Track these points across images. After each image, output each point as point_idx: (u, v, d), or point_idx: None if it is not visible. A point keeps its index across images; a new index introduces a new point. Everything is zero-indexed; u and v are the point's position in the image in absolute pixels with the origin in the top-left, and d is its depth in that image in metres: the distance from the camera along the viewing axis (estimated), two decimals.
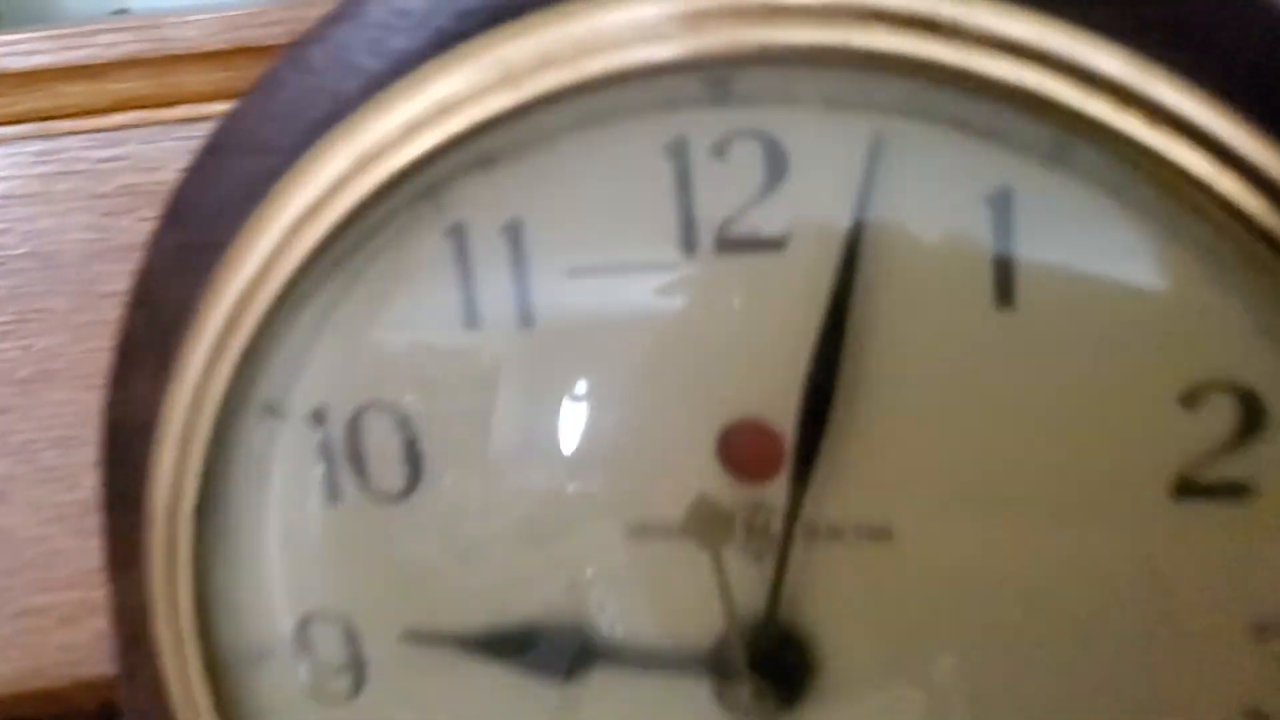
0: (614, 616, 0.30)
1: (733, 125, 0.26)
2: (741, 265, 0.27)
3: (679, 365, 0.28)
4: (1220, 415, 0.26)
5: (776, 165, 0.27)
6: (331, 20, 0.27)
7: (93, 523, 0.34)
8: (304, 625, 0.33)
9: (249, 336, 0.29)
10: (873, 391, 0.28)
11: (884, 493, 0.28)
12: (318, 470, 0.31)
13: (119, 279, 0.35)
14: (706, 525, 0.28)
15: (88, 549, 0.42)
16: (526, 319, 0.29)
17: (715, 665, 0.30)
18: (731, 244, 0.27)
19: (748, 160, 0.27)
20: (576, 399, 0.30)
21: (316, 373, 0.31)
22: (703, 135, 0.26)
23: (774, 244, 0.27)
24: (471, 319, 0.29)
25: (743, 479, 0.29)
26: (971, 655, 0.28)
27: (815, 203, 0.27)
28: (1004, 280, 0.26)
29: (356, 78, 0.27)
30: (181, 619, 0.31)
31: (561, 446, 0.30)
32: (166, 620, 0.32)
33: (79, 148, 0.50)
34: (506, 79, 0.25)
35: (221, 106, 0.31)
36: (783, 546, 0.29)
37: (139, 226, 0.45)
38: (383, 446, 0.31)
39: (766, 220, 0.27)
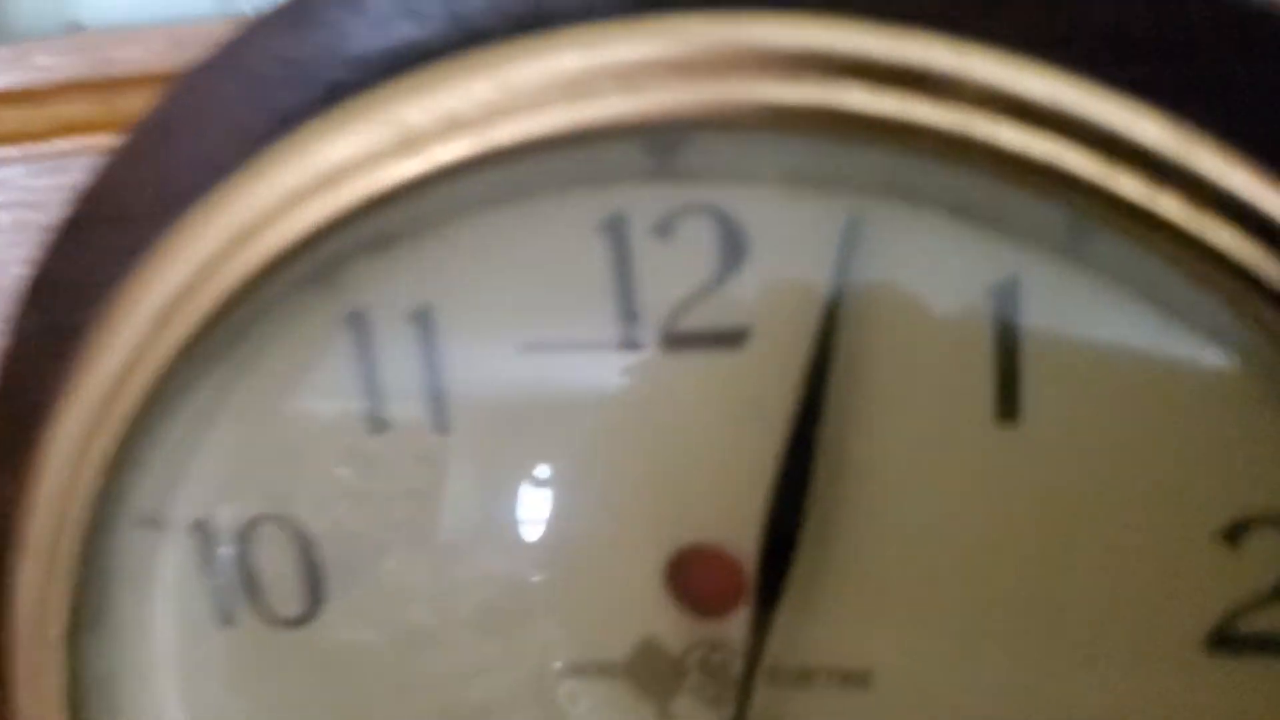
0: None
1: (680, 200, 0.22)
2: (694, 363, 0.23)
3: (620, 480, 0.24)
4: (1269, 555, 0.21)
5: (733, 247, 0.22)
6: (204, 69, 0.23)
7: None
8: None
9: (116, 438, 0.25)
10: (850, 514, 0.23)
11: (863, 631, 0.24)
12: (206, 590, 0.27)
13: None
14: (651, 675, 0.24)
15: None
16: (440, 422, 0.24)
17: None
18: (681, 338, 0.23)
19: (698, 240, 0.22)
20: (500, 518, 0.25)
21: (199, 480, 0.26)
22: (644, 211, 0.22)
23: (732, 339, 0.23)
24: (377, 420, 0.24)
25: (697, 614, 0.24)
26: None
27: (781, 292, 0.22)
28: (1008, 389, 0.22)
29: (233, 138, 0.22)
30: None
31: (484, 574, 0.25)
32: None
33: (20, 176, 0.45)
34: (405, 144, 0.21)
35: None
36: (742, 692, 0.24)
37: None
38: (278, 564, 0.26)
39: (723, 311, 0.22)
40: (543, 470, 0.24)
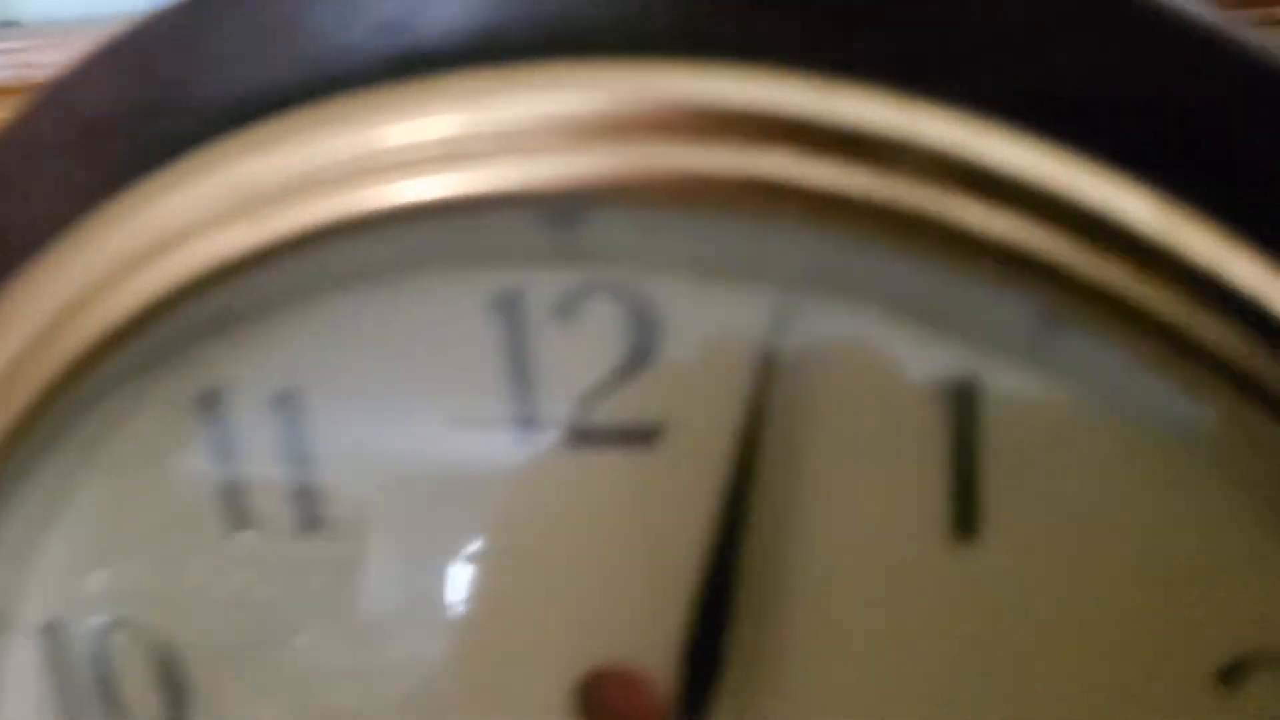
0: None
1: (582, 279, 0.18)
2: (603, 461, 0.20)
3: (519, 593, 0.20)
4: (1272, 699, 0.18)
5: (645, 334, 0.19)
6: (32, 113, 0.19)
7: None
8: None
9: None
10: (784, 632, 0.20)
11: None
12: (59, 698, 0.23)
13: None
14: None
15: None
16: (310, 517, 0.21)
17: None
18: (588, 433, 0.19)
19: (605, 325, 0.19)
20: (377, 630, 0.22)
21: (47, 578, 0.23)
22: (541, 290, 0.18)
23: (644, 436, 0.19)
24: (239, 514, 0.21)
25: None
26: None
27: (699, 387, 0.19)
28: (965, 501, 0.19)
29: (63, 195, 0.19)
30: None
31: (360, 694, 0.21)
32: None
33: None
34: (242, 210, 0.17)
35: None
36: None
37: None
38: (135, 673, 0.23)
39: (634, 405, 0.19)
40: (431, 586, 0.21)
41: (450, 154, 0.17)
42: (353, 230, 0.17)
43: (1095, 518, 0.19)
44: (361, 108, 0.17)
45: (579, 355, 0.19)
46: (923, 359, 0.18)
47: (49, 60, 0.41)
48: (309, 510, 0.21)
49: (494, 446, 0.20)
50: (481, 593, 0.21)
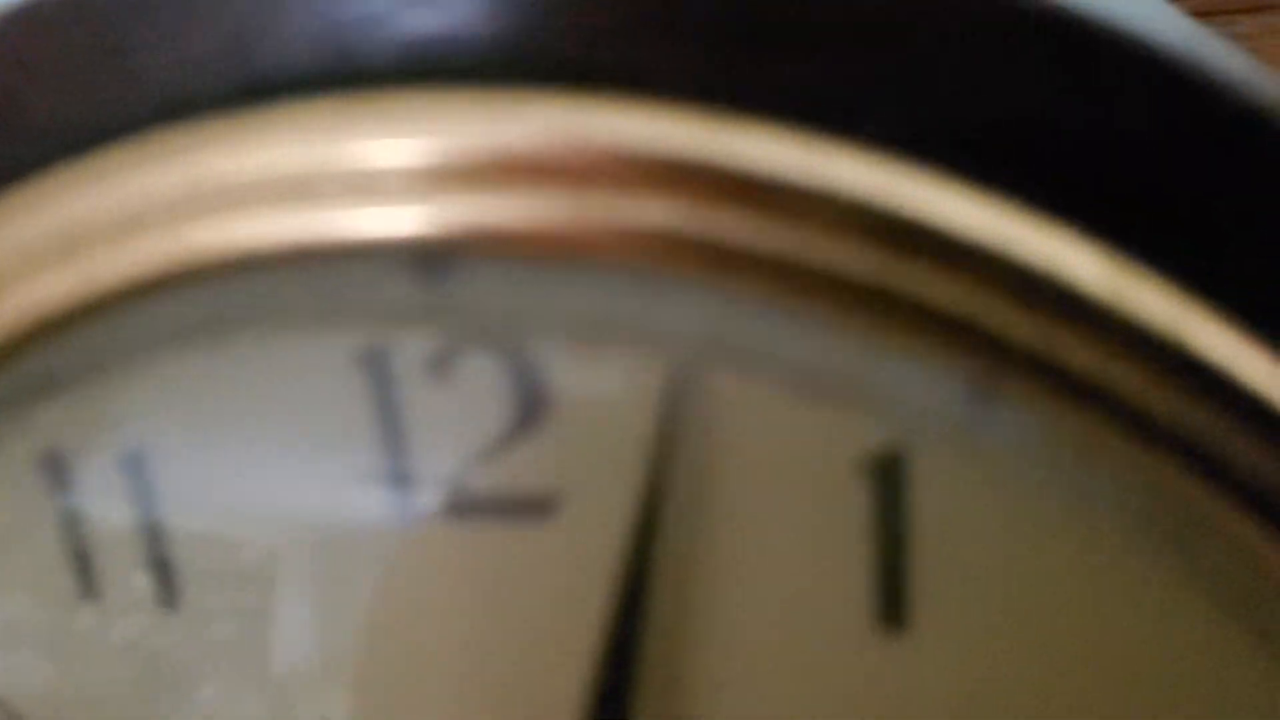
0: None
1: (457, 336, 0.16)
2: (487, 535, 0.17)
3: (392, 682, 0.18)
4: None
5: (530, 397, 0.16)
6: None
7: None
8: None
9: None
10: None
11: None
12: None
13: None
14: None
15: None
16: (166, 591, 0.18)
17: None
18: (470, 504, 0.17)
19: (486, 386, 0.16)
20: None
21: None
22: (412, 346, 0.16)
23: (532, 508, 0.17)
24: (87, 583, 0.19)
25: None
26: None
27: (591, 456, 0.16)
28: (892, 589, 0.16)
29: None
30: None
31: None
32: None
33: None
34: (62, 255, 0.15)
35: None
36: None
37: None
38: None
39: (520, 474, 0.17)
40: (295, 671, 0.18)
41: (298, 194, 0.15)
42: (190, 280, 0.15)
43: (1036, 606, 0.16)
44: (198, 139, 0.15)
45: (457, 418, 0.17)
46: (841, 430, 0.15)
47: None
48: (164, 582, 0.18)
49: (367, 515, 0.18)
50: (374, 659, 0.19)
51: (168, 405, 0.17)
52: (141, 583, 0.19)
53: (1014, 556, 0.16)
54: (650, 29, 0.14)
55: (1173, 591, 0.16)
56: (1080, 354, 0.14)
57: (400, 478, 0.18)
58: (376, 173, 0.15)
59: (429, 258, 0.15)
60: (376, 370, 0.17)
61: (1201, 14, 0.21)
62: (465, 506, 0.17)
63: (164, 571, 0.19)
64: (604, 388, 0.16)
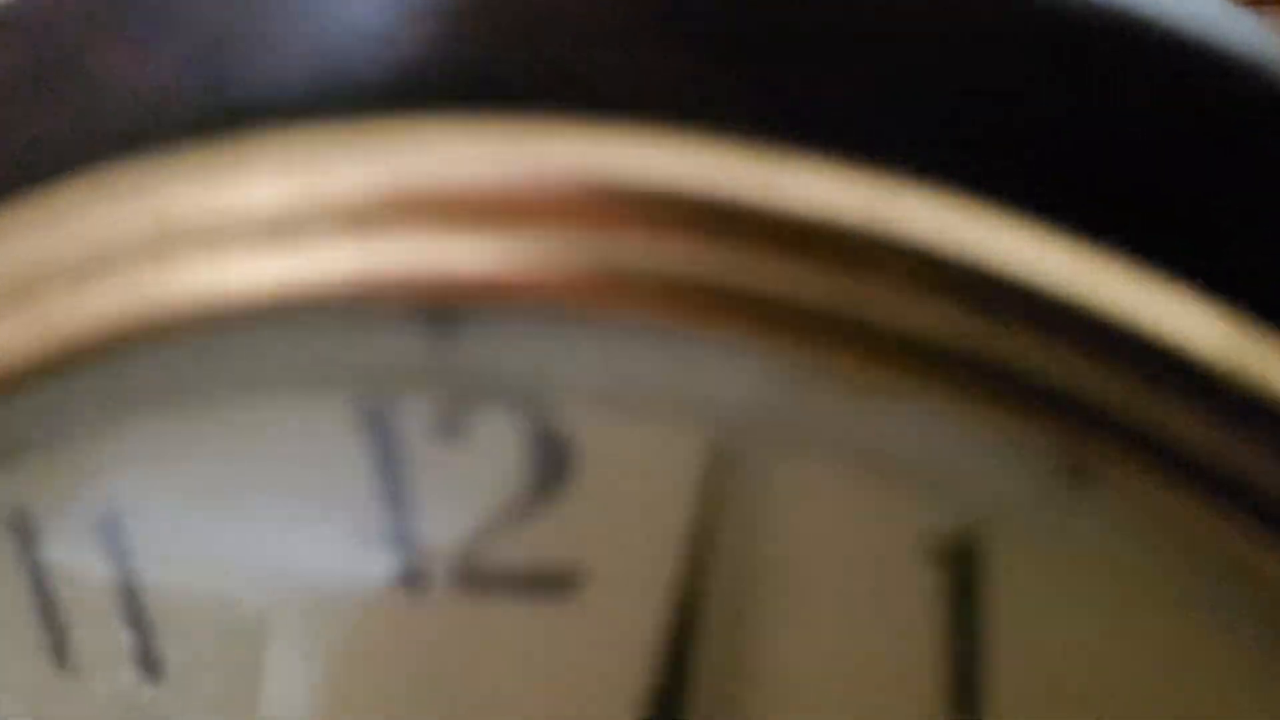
0: None
1: (470, 395, 0.14)
2: (503, 612, 0.15)
3: None
4: None
5: (553, 462, 0.14)
6: None
7: None
8: None
9: None
10: None
11: None
12: None
13: None
14: None
15: None
16: (147, 662, 0.17)
17: None
18: (484, 578, 0.15)
19: (503, 448, 0.14)
20: None
21: None
22: (419, 407, 0.14)
23: (554, 584, 0.15)
24: (62, 652, 0.17)
25: None
26: None
27: (623, 529, 0.14)
28: (965, 681, 0.14)
29: None
30: None
31: None
32: None
33: None
34: (11, 301, 0.13)
35: None
36: None
37: None
38: None
39: (541, 546, 0.15)
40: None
41: (272, 238, 0.13)
42: (158, 333, 0.13)
43: (1117, 701, 0.14)
44: (165, 171, 0.13)
45: (469, 484, 0.15)
46: (909, 515, 0.13)
47: None
48: (144, 653, 0.16)
49: (367, 580, 0.16)
50: None
51: (145, 468, 0.15)
52: (120, 640, 0.17)
53: (1096, 648, 0.14)
54: (714, 53, 0.11)
55: (1271, 688, 0.14)
56: (1195, 430, 0.12)
57: (403, 544, 0.16)
58: (370, 207, 0.13)
59: (436, 311, 0.13)
60: (378, 430, 0.15)
61: None
62: (475, 577, 0.15)
63: (144, 629, 0.17)
64: (638, 456, 0.14)
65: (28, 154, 0.13)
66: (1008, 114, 0.11)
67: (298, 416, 0.15)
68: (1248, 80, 0.12)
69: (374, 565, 0.16)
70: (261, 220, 0.13)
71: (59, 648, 0.17)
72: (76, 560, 0.17)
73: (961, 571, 0.14)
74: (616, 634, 0.15)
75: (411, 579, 0.16)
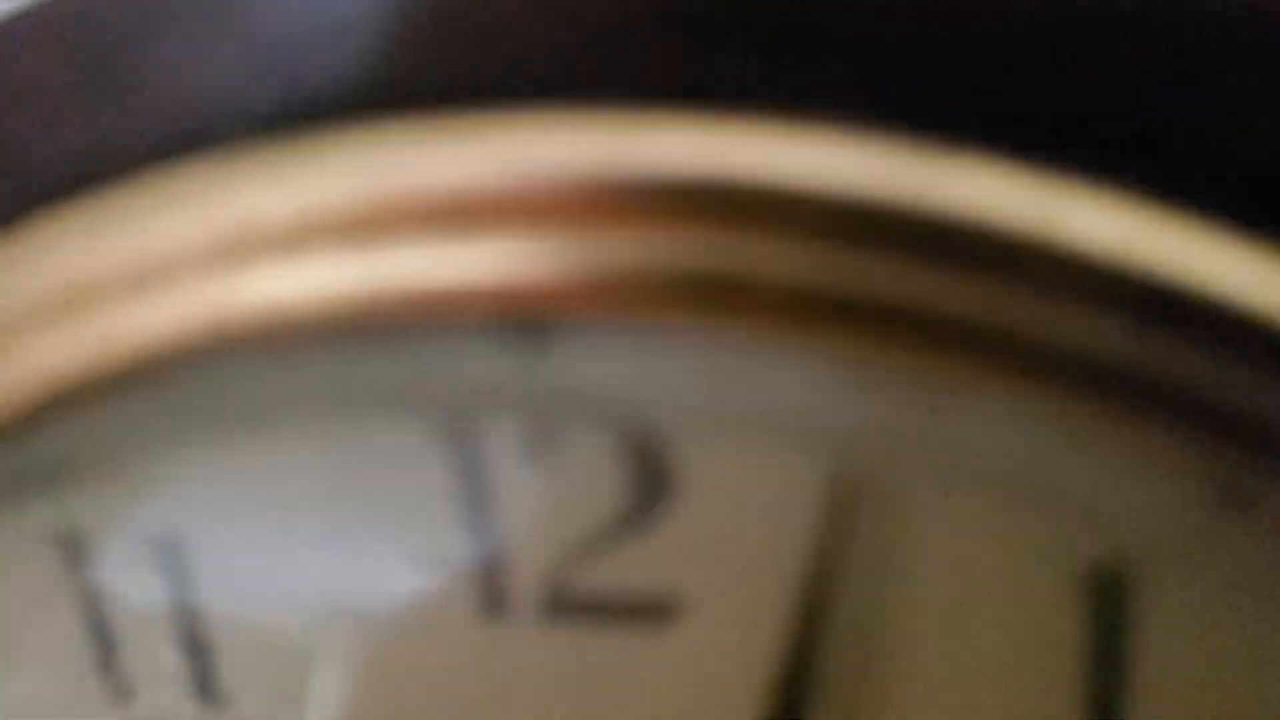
0: None
1: (560, 410, 0.13)
2: (593, 642, 0.14)
3: None
4: None
5: (651, 480, 0.13)
6: None
7: None
8: None
9: None
10: None
11: None
12: None
13: None
14: None
15: None
16: (205, 686, 0.16)
17: None
18: (573, 605, 0.14)
19: (596, 468, 0.13)
20: None
21: None
22: (507, 426, 0.13)
23: (650, 612, 0.14)
24: (117, 684, 0.16)
25: None
26: None
27: (728, 554, 0.13)
28: (1106, 705, 0.13)
29: None
30: None
31: None
32: None
33: None
34: (67, 312, 0.12)
35: None
36: None
37: None
38: None
39: (638, 570, 0.14)
40: None
41: (353, 238, 0.11)
42: (221, 346, 0.12)
43: None
44: (235, 173, 0.12)
45: (558, 505, 0.13)
46: (1054, 542, 0.12)
47: None
48: (203, 677, 0.15)
49: (445, 623, 0.15)
50: None
51: (208, 489, 0.14)
52: (169, 661, 0.16)
53: (1241, 676, 0.13)
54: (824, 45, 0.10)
55: None
56: None
57: (484, 568, 0.14)
58: (448, 210, 0.11)
59: (524, 326, 0.12)
60: (464, 450, 0.13)
61: None
62: (561, 604, 0.14)
63: (198, 651, 0.16)
64: (746, 480, 0.13)
65: (95, 154, 0.12)
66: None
67: (377, 436, 0.13)
68: None
69: (451, 590, 0.15)
70: (338, 224, 0.12)
71: (107, 666, 0.16)
72: (132, 581, 0.16)
73: (1110, 599, 0.12)
74: (716, 668, 0.14)
75: (493, 605, 0.15)
